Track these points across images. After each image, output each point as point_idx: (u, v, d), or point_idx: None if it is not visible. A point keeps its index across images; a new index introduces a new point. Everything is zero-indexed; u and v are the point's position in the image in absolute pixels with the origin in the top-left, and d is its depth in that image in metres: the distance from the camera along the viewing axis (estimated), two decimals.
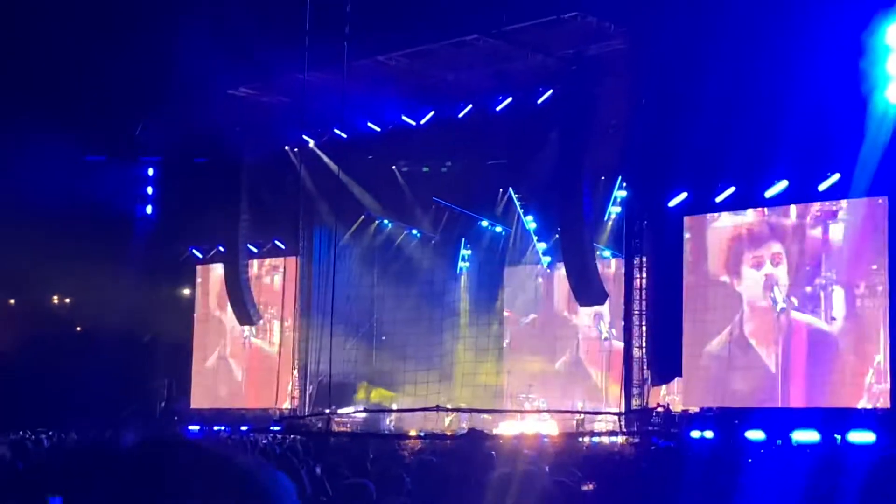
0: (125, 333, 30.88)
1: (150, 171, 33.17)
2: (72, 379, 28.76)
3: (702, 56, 22.07)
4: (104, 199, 30.65)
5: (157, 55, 27.20)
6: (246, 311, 32.60)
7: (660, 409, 25.57)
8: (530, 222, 31.71)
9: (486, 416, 28.77)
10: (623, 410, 25.74)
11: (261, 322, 33.55)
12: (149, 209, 33.18)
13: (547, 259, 31.79)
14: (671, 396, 26.60)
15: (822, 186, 23.91)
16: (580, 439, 26.46)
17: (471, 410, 28.79)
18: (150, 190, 33.25)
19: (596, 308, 29.91)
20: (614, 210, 29.74)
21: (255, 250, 33.86)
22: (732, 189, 25.38)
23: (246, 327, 33.89)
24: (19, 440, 16.91)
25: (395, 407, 31.26)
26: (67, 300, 36.57)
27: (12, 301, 37.02)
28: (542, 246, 31.74)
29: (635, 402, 25.97)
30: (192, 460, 1.84)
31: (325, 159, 31.36)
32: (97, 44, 26.48)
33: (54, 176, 28.63)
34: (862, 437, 21.13)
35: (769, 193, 24.83)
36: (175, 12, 26.93)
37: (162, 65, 27.92)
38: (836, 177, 23.42)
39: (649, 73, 24.23)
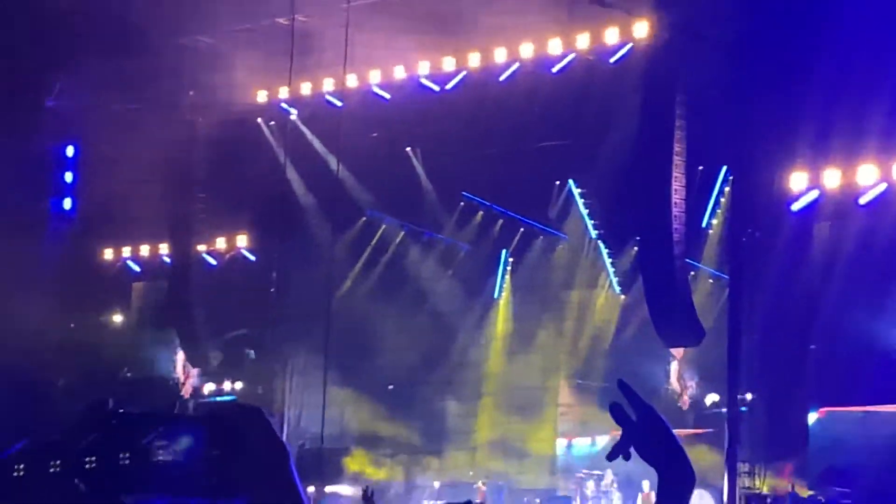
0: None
1: (70, 151, 30.25)
2: None
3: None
4: (5, 192, 27.86)
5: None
6: (199, 350, 28.96)
7: (780, 495, 23.40)
8: (597, 228, 28.35)
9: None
10: (725, 497, 23.03)
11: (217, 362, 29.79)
12: (67, 203, 30.52)
13: (618, 281, 28.63)
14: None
15: None
16: None
17: None
18: (68, 176, 30.47)
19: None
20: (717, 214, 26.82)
21: (212, 262, 30.29)
22: (884, 186, 22.59)
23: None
24: None
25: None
26: None
27: None
28: (612, 262, 28.48)
29: (743, 484, 23.49)
30: None
31: (313, 139, 28.04)
32: None
33: None
34: None
35: None
36: None
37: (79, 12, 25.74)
38: None
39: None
